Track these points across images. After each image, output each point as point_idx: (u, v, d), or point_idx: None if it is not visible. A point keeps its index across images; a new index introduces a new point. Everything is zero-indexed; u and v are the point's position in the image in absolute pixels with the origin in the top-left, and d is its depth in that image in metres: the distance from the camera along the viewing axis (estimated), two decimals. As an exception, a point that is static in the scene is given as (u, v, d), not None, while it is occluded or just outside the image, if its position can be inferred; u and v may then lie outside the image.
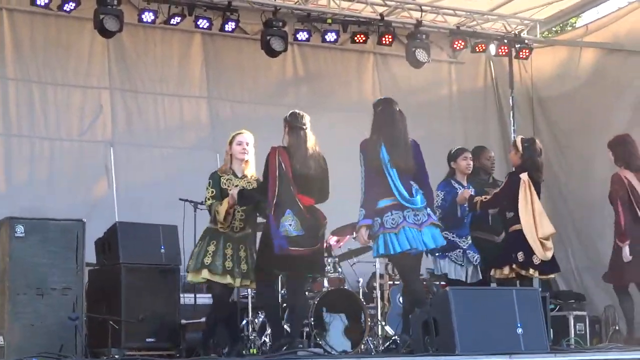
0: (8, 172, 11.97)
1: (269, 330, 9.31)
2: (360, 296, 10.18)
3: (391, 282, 10.86)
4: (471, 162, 10.01)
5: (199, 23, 12.38)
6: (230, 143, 9.02)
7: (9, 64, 12.10)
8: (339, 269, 10.52)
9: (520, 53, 14.06)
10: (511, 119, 14.64)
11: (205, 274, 8.71)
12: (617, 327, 11.71)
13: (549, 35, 16.39)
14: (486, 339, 7.97)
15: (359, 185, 8.58)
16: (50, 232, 8.54)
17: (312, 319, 9.50)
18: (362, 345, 9.73)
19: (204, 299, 10.45)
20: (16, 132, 12.07)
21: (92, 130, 12.50)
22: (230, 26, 12.52)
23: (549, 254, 9.41)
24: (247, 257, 8.88)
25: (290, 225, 8.35)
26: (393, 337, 9.62)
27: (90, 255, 9.42)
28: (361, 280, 10.64)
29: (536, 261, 9.33)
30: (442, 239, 8.56)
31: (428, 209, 8.47)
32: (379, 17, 13.22)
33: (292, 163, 8.54)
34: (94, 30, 11.81)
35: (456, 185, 9.90)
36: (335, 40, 13.14)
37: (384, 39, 13.24)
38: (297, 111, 8.85)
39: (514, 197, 9.41)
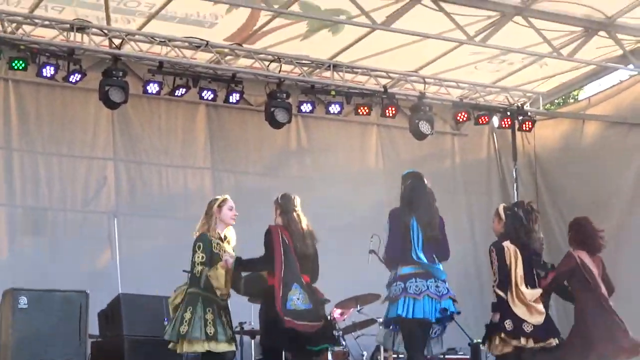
0: (11, 242, 11.94)
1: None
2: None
3: (395, 356, 10.77)
4: None
5: (203, 94, 12.44)
6: (220, 207, 8.93)
7: (14, 134, 12.16)
8: (343, 342, 10.45)
9: (523, 125, 14.10)
10: (514, 190, 14.66)
11: (213, 345, 8.54)
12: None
13: (552, 107, 16.49)
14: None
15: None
16: (54, 303, 8.56)
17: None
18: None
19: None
20: (20, 203, 12.09)
21: (96, 201, 12.51)
22: (234, 97, 12.58)
23: (540, 318, 9.06)
24: (229, 322, 8.79)
25: (298, 299, 8.34)
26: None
27: (93, 326, 9.38)
28: (365, 353, 10.57)
29: (527, 329, 8.98)
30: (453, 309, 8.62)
31: (446, 283, 8.62)
32: (382, 89, 13.28)
33: (294, 241, 8.59)
34: (99, 102, 11.86)
35: None
36: (339, 112, 13.19)
37: (387, 111, 13.30)
38: (288, 193, 8.91)
39: (505, 264, 9.12)
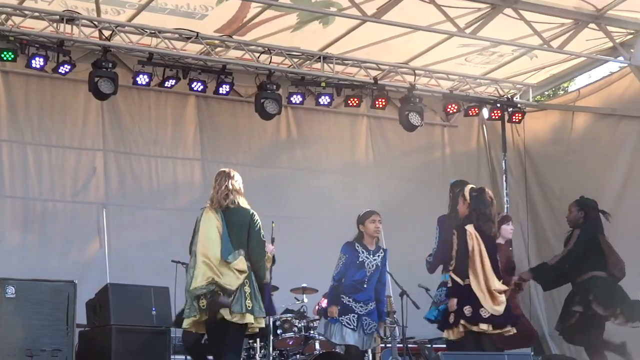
0: (0, 232, 11.95)
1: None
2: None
3: (382, 345, 10.78)
4: (380, 226, 9.49)
5: (193, 86, 12.45)
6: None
7: (3, 125, 12.16)
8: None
9: (513, 117, 14.13)
10: (504, 181, 14.69)
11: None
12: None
13: (542, 99, 16.49)
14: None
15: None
16: (41, 293, 8.55)
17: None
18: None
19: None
20: (9, 194, 12.09)
21: (85, 192, 12.52)
22: (224, 89, 12.59)
23: (500, 308, 8.81)
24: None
25: None
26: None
27: (81, 316, 9.39)
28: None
29: (484, 314, 8.73)
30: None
31: None
32: (372, 81, 13.30)
33: None
34: (88, 93, 11.88)
35: (359, 249, 9.41)
36: (329, 104, 13.22)
37: (377, 102, 13.32)
38: None
39: (466, 249, 8.89)
